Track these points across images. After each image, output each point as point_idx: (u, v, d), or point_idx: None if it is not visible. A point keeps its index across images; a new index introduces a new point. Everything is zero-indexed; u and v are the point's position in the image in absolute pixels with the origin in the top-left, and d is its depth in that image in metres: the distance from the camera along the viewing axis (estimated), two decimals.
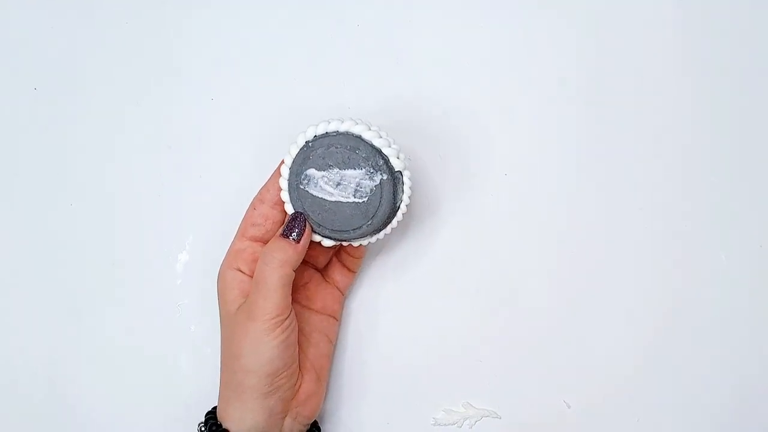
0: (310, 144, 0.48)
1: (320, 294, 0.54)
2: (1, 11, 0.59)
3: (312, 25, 0.58)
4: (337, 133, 0.48)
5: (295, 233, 0.48)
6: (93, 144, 0.58)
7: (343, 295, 0.55)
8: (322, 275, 0.55)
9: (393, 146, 0.48)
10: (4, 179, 0.58)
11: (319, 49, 0.58)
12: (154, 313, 0.57)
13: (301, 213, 0.49)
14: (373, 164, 0.48)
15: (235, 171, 0.57)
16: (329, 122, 0.48)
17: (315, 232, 0.50)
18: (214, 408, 0.51)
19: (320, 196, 0.48)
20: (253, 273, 0.49)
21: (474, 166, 0.57)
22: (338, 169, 0.48)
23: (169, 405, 0.56)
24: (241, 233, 0.51)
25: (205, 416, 0.50)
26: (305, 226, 0.49)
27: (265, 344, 0.47)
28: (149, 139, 0.58)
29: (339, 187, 0.48)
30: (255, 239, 0.51)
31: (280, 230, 0.49)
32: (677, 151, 0.57)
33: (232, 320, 0.49)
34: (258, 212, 0.50)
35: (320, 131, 0.48)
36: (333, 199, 0.48)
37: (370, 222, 0.49)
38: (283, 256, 0.48)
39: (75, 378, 0.57)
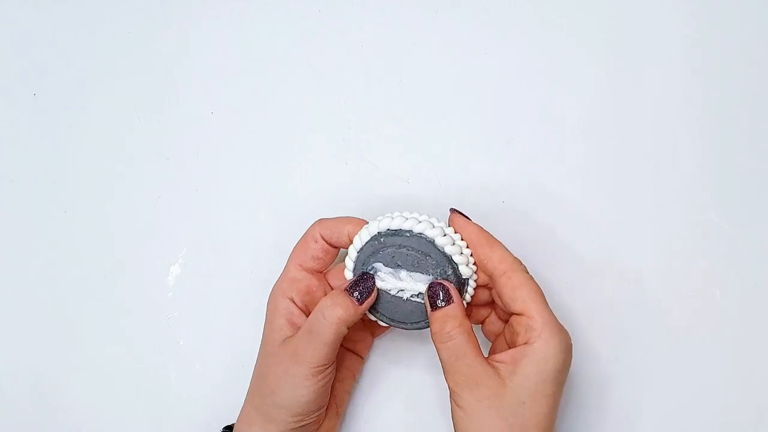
0: (381, 239, 0.48)
1: (356, 334, 0.53)
2: (2, 16, 0.59)
3: (315, 42, 0.57)
4: (411, 235, 0.47)
5: (359, 294, 0.47)
6: (90, 153, 0.57)
7: (374, 337, 0.55)
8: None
9: (464, 252, 0.48)
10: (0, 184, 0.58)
11: (321, 65, 0.57)
12: (144, 325, 0.57)
13: (371, 275, 0.48)
14: (442, 272, 0.47)
15: (232, 185, 0.57)
16: (405, 219, 0.48)
17: (372, 315, 0.50)
18: (231, 425, 0.51)
19: (384, 288, 0.48)
20: (304, 308, 0.49)
21: (473, 194, 0.56)
22: (406, 271, 0.48)
23: (156, 418, 0.56)
24: (297, 262, 0.49)
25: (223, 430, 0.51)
26: (373, 288, 0.47)
27: (304, 388, 0.47)
28: (147, 149, 0.57)
29: (403, 284, 0.48)
30: (310, 271, 0.50)
31: (346, 286, 0.48)
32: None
33: (274, 352, 0.48)
34: (320, 246, 0.49)
35: (394, 226, 0.48)
36: (396, 293, 0.48)
37: (428, 320, 0.48)
38: (344, 314, 0.46)
39: (63, 387, 0.56)
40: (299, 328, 0.48)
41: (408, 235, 0.47)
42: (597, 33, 0.56)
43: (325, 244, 0.49)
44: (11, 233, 0.57)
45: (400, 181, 0.56)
